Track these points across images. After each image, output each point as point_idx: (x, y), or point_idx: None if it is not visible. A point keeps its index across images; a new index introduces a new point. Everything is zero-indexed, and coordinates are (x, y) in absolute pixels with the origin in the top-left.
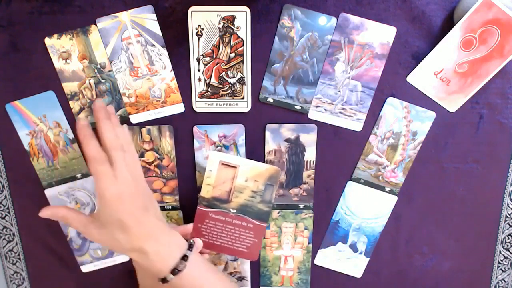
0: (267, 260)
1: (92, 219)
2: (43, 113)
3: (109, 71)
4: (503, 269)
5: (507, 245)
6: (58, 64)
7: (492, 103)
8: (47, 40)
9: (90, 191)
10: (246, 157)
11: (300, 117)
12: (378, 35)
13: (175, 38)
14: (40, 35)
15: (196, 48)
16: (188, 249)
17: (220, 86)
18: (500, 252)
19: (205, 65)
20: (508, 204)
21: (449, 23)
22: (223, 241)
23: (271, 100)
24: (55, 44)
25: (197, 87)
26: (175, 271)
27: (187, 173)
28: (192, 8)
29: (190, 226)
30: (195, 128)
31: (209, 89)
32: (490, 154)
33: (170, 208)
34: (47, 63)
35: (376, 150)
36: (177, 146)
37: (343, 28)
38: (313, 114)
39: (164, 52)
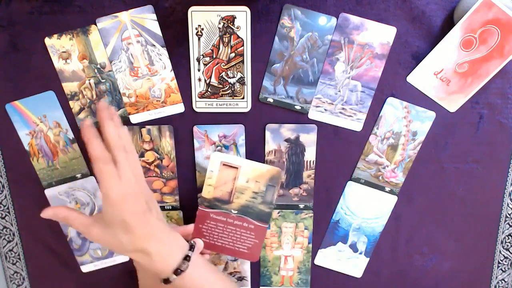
0: (267, 260)
1: (93, 219)
2: (43, 113)
3: (109, 71)
4: (503, 269)
5: (507, 245)
6: (58, 64)
7: (492, 103)
8: (47, 40)
9: (90, 191)
10: (246, 157)
11: (300, 117)
12: (378, 35)
13: (175, 38)
14: (40, 35)
15: (196, 48)
16: (190, 250)
17: (220, 86)
18: (500, 252)
19: (205, 65)
20: (508, 204)
21: (449, 23)
22: (224, 241)
23: (271, 100)
24: (55, 44)
25: (197, 87)
26: (177, 271)
27: (187, 173)
28: (192, 8)
29: (191, 226)
30: (195, 128)
31: (209, 89)
32: (490, 154)
33: (170, 208)
34: (47, 63)
35: (376, 150)
36: (177, 146)
37: (343, 28)
38: (313, 114)
39: (164, 52)
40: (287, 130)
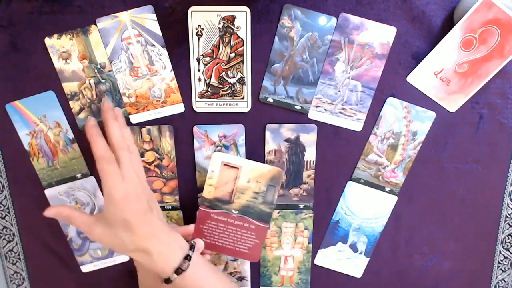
0: (267, 260)
1: (95, 218)
2: (43, 113)
3: (109, 71)
4: (503, 269)
5: (507, 245)
6: (58, 64)
7: (492, 103)
8: (47, 40)
9: (90, 191)
10: (246, 157)
11: (300, 117)
12: (378, 35)
13: (175, 38)
14: (40, 35)
15: (196, 48)
16: (190, 250)
17: (220, 86)
18: (500, 252)
19: (205, 65)
20: (508, 204)
21: (449, 23)
22: (224, 242)
23: (271, 100)
24: (55, 44)
25: (197, 87)
26: (178, 271)
27: (187, 173)
28: (192, 8)
29: (191, 227)
30: (195, 128)
31: (209, 89)
32: (490, 154)
33: (170, 208)
34: (47, 63)
35: (376, 150)
36: (177, 146)
37: (343, 28)
38: (313, 114)
39: (164, 52)
40: (287, 130)
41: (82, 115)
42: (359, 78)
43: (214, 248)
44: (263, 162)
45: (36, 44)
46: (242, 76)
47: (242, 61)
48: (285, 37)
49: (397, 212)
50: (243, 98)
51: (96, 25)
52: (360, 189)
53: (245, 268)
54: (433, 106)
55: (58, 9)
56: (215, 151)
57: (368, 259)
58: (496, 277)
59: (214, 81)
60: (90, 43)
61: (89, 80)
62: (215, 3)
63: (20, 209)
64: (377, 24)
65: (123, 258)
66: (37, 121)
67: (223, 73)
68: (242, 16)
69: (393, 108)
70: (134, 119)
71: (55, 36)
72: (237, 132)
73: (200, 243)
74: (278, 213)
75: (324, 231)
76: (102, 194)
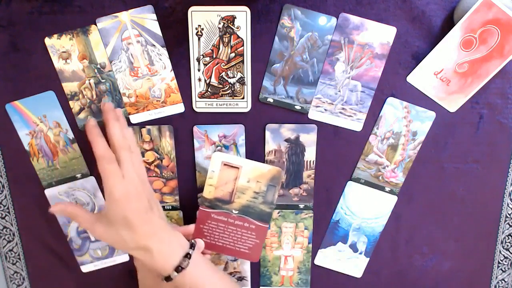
0: (267, 260)
1: (98, 217)
2: (43, 113)
3: (109, 71)
4: (503, 269)
5: (507, 245)
6: (58, 64)
7: (492, 103)
8: (47, 40)
9: (90, 191)
10: (246, 157)
11: (300, 117)
12: (378, 35)
13: (175, 38)
14: (40, 35)
15: (196, 48)
16: (190, 248)
17: (220, 86)
18: (500, 252)
19: (205, 65)
20: (508, 204)
21: (449, 23)
22: (224, 242)
23: (271, 100)
24: (55, 44)
25: (197, 87)
26: (178, 269)
27: (187, 173)
28: (192, 8)
29: (191, 226)
30: (195, 128)
31: (209, 89)
32: (490, 154)
33: (170, 208)
34: (47, 63)
35: (376, 150)
36: (177, 146)
37: (343, 28)
38: (313, 114)
39: (164, 52)
40: (287, 130)
41: (82, 115)
42: (359, 78)
43: (214, 248)
44: (263, 162)
45: (36, 44)
46: (242, 76)
47: (242, 61)
48: (285, 37)
49: (397, 212)
50: (243, 98)
51: (96, 25)
52: (360, 189)
53: (245, 268)
54: (433, 106)
55: (58, 9)
56: (215, 151)
57: (368, 259)
58: (496, 277)
59: (214, 81)
60: (90, 43)
61: (89, 80)
62: (215, 3)
63: (20, 209)
64: (377, 24)
65: (123, 258)
66: (37, 121)
67: (223, 73)
68: (242, 16)
69: (393, 108)
70: (134, 119)
71: (55, 36)
72: (237, 132)
73: (200, 243)
74: (278, 213)
75: (324, 231)
76: (103, 194)
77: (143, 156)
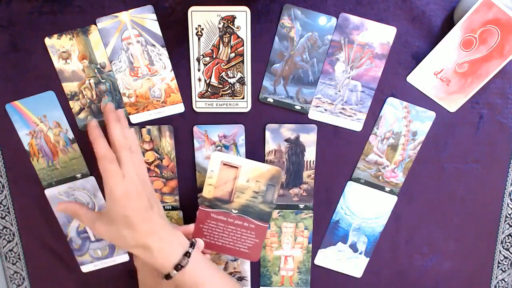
0: (267, 260)
1: (99, 215)
2: (43, 113)
3: (109, 71)
4: (503, 269)
5: (507, 245)
6: (58, 64)
7: (492, 103)
8: (47, 40)
9: (90, 191)
10: (246, 157)
11: (300, 117)
12: (378, 35)
13: (175, 38)
14: (40, 35)
15: (196, 48)
16: (190, 247)
17: (220, 86)
18: (500, 252)
19: (205, 65)
20: (508, 204)
21: (449, 23)
22: (224, 241)
23: (271, 100)
24: (55, 44)
25: (197, 87)
26: (178, 267)
27: (187, 173)
28: (192, 8)
29: (191, 226)
30: (195, 128)
31: (209, 89)
32: (490, 154)
33: (170, 208)
34: (47, 63)
35: (376, 150)
36: (177, 146)
37: (343, 28)
38: (313, 114)
39: (164, 52)
40: (287, 130)
41: (82, 115)
42: (359, 78)
43: (214, 248)
44: (263, 162)
45: (36, 44)
46: (242, 76)
47: (242, 61)
48: (285, 37)
49: (397, 212)
50: (243, 98)
51: (96, 25)
52: (360, 189)
53: (245, 268)
54: (433, 106)
55: (58, 9)
56: (215, 151)
57: (368, 259)
58: (496, 277)
59: (214, 81)
60: (90, 43)
61: (89, 80)
62: (215, 3)
63: (20, 209)
64: (377, 24)
65: (123, 258)
66: (37, 121)
67: (223, 73)
68: (242, 16)
69: (393, 108)
70: (134, 119)
71: (55, 36)
72: (237, 132)
73: (200, 242)
74: (278, 213)
75: (324, 231)
76: (103, 193)
77: (143, 156)
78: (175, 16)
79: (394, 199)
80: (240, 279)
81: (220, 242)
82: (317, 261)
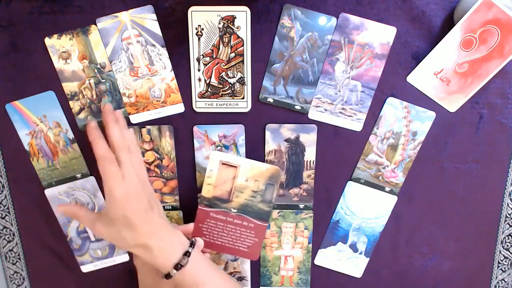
0: (267, 260)
1: (99, 216)
2: (43, 113)
3: (109, 71)
4: (503, 269)
5: (507, 245)
6: (58, 64)
7: (492, 103)
8: (47, 40)
9: (90, 191)
10: (246, 157)
11: (300, 117)
12: (378, 35)
13: (175, 38)
14: (40, 35)
15: (196, 48)
16: (190, 246)
17: (220, 86)
18: (500, 252)
19: (205, 65)
20: (508, 204)
21: (449, 23)
22: (224, 240)
23: (271, 100)
24: (55, 44)
25: (197, 87)
26: (178, 266)
27: (187, 173)
28: (192, 8)
29: (191, 225)
30: (195, 128)
31: (209, 89)
32: (490, 154)
33: (170, 208)
34: (47, 63)
35: (376, 150)
36: (177, 146)
37: (343, 28)
38: (313, 114)
39: (164, 52)
40: (287, 130)
41: (82, 115)
42: (359, 78)
43: (213, 247)
44: (263, 162)
45: (36, 44)
46: (242, 76)
47: (242, 61)
48: (285, 37)
49: (397, 212)
50: (243, 98)
51: (96, 25)
52: (360, 189)
53: (245, 268)
54: (433, 106)
55: (58, 9)
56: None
57: (368, 259)
58: (496, 277)
59: (214, 81)
60: (90, 43)
61: (89, 80)
62: (215, 3)
63: (20, 209)
64: (377, 24)
65: (123, 258)
66: (37, 121)
67: (223, 73)
68: (242, 16)
69: (393, 108)
70: (134, 119)
71: (55, 36)
72: (237, 132)
73: (199, 242)
74: (278, 213)
75: (324, 231)
76: (103, 194)
77: (143, 156)
78: (175, 16)
79: (394, 199)
80: (240, 279)
81: (220, 241)
82: (317, 261)
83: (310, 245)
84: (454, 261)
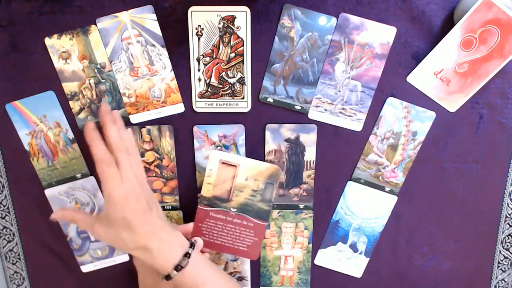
0: (267, 260)
1: (98, 218)
2: (43, 113)
3: (109, 71)
4: (503, 269)
5: (507, 245)
6: (58, 64)
7: (492, 103)
8: (47, 40)
9: (90, 191)
10: (246, 157)
11: (300, 117)
12: (378, 35)
13: (175, 38)
14: (40, 35)
15: (196, 48)
16: (190, 247)
17: (220, 86)
18: (500, 252)
19: (205, 65)
20: (508, 204)
21: (449, 23)
22: (223, 240)
23: (271, 100)
24: (55, 44)
25: (197, 87)
26: (178, 268)
27: (187, 173)
28: (192, 8)
29: (190, 225)
30: (195, 128)
31: (209, 89)
32: (490, 154)
33: (170, 208)
34: (47, 63)
35: (376, 150)
36: (177, 146)
37: (343, 28)
38: (313, 114)
39: (164, 52)
40: (287, 130)
41: (82, 115)
42: (359, 78)
43: (213, 247)
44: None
45: (36, 44)
46: (242, 76)
47: (242, 61)
48: (285, 37)
49: (397, 212)
50: (243, 98)
51: (96, 25)
52: (360, 189)
53: (245, 268)
54: (433, 106)
55: (58, 9)
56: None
57: (368, 259)
58: (496, 277)
59: (214, 81)
60: (90, 43)
61: (89, 80)
62: (215, 3)
63: (20, 209)
64: (377, 24)
65: (123, 258)
66: (37, 121)
67: (223, 73)
68: (242, 16)
69: (393, 108)
70: (134, 119)
71: (55, 36)
72: (237, 132)
73: (199, 242)
74: (278, 213)
75: (324, 231)
76: (103, 195)
77: (143, 156)
78: (175, 16)
79: (394, 199)
80: (240, 279)
81: (219, 240)
82: (317, 261)
83: (310, 245)
84: (454, 261)
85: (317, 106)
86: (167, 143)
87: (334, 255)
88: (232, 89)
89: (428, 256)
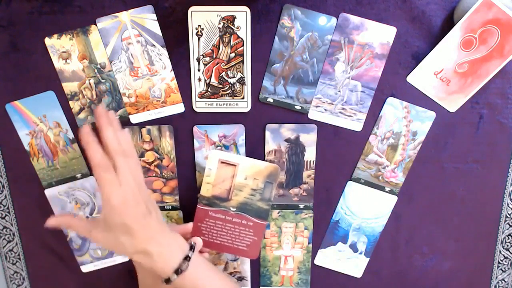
0: (267, 260)
1: (96, 223)
2: (43, 113)
3: (109, 71)
4: (503, 269)
5: (507, 245)
6: (58, 64)
7: (492, 103)
8: (47, 40)
9: (90, 191)
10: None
11: (300, 117)
12: (378, 35)
13: (175, 38)
14: (40, 35)
15: (196, 48)
16: (190, 250)
17: (220, 86)
18: (500, 252)
19: (205, 65)
20: (508, 204)
21: (449, 23)
22: (223, 239)
23: (271, 100)
24: (55, 44)
25: (197, 87)
26: (178, 271)
27: (187, 173)
28: (192, 8)
29: (190, 225)
30: (195, 128)
31: (209, 89)
32: (490, 154)
33: (170, 208)
34: (47, 63)
35: (376, 150)
36: (177, 146)
37: (343, 28)
38: (313, 114)
39: (164, 52)
40: (287, 130)
41: (82, 115)
42: (359, 78)
43: (212, 246)
44: None
45: (36, 44)
46: (242, 76)
47: (242, 61)
48: (285, 37)
49: (397, 212)
50: (243, 98)
51: (96, 25)
52: (360, 189)
53: (245, 268)
54: (433, 106)
55: (58, 9)
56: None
57: (368, 259)
58: (496, 277)
59: (214, 81)
60: (90, 43)
61: (89, 80)
62: (215, 3)
63: (20, 209)
64: (377, 24)
65: (123, 258)
66: (37, 121)
67: (223, 73)
68: (242, 16)
69: (393, 108)
70: (134, 119)
71: (55, 36)
72: (237, 132)
73: (198, 242)
74: (278, 213)
75: (324, 231)
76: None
77: (143, 156)
78: (175, 16)
79: (394, 199)
80: (240, 279)
81: (219, 240)
82: (317, 261)
83: (310, 245)
84: (454, 261)
85: (317, 106)
86: (167, 143)
87: (334, 255)
88: (232, 89)
89: (428, 256)
